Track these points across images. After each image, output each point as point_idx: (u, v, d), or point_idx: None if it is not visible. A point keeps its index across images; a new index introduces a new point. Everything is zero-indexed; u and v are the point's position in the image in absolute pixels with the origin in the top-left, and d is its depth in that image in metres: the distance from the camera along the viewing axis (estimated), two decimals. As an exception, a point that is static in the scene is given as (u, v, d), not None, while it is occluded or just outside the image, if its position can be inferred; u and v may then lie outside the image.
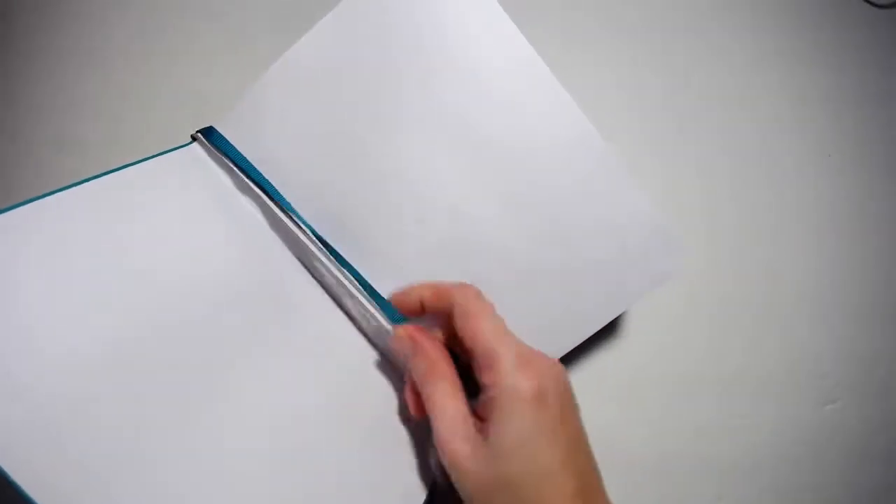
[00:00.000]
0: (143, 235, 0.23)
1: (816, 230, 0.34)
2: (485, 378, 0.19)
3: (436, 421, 0.19)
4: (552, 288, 0.26)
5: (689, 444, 0.31)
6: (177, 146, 0.27)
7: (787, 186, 0.34)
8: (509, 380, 0.18)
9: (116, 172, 0.24)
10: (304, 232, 0.27)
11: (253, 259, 0.26)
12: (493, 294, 0.26)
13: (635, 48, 0.35)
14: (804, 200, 0.34)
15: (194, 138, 0.28)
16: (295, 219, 0.27)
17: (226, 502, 0.20)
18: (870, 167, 0.35)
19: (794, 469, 0.32)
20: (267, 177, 0.27)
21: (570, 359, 0.32)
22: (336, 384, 0.26)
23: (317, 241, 0.26)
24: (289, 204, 0.27)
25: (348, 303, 0.27)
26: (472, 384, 0.21)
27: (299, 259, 0.28)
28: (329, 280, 0.27)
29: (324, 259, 0.26)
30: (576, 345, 0.26)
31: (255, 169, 0.27)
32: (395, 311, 0.25)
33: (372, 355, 0.27)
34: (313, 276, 0.28)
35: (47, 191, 0.21)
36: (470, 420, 0.19)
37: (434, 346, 0.21)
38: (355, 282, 0.26)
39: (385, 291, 0.26)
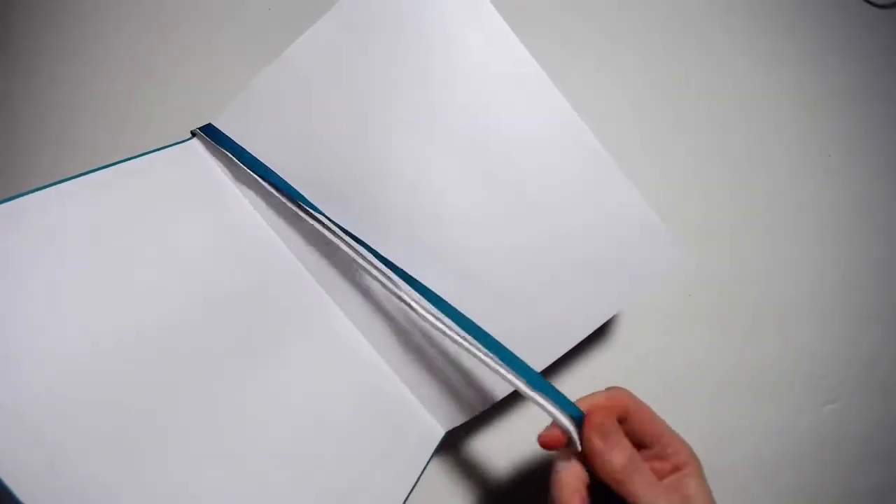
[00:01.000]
0: (141, 233, 0.23)
1: (816, 230, 0.34)
2: (675, 460, 0.23)
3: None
4: (546, 290, 0.26)
5: (688, 444, 0.31)
6: (175, 142, 0.27)
7: (787, 186, 0.34)
8: (695, 460, 0.23)
9: (114, 167, 0.24)
10: (323, 226, 0.26)
11: (253, 261, 0.26)
12: (486, 297, 0.26)
13: (635, 49, 0.35)
14: (804, 200, 0.34)
15: (194, 134, 0.28)
16: (312, 211, 0.26)
17: None
18: (870, 167, 0.35)
19: (794, 469, 0.32)
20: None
21: (564, 359, 0.32)
22: (344, 394, 0.26)
23: (341, 232, 0.26)
24: (301, 195, 0.27)
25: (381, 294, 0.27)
26: None
27: (302, 258, 0.28)
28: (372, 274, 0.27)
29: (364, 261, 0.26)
30: (571, 347, 0.26)
31: (260, 162, 0.27)
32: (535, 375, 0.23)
33: (379, 362, 0.28)
34: (318, 273, 0.28)
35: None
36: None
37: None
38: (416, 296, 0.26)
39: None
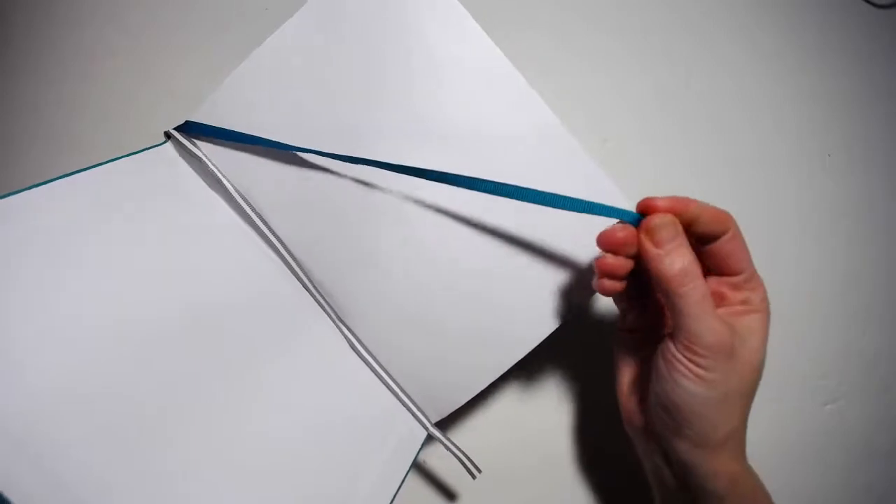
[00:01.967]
0: (117, 242, 0.23)
1: (816, 230, 0.34)
2: (750, 294, 0.22)
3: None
4: (520, 278, 0.26)
5: (689, 445, 0.31)
6: (149, 146, 0.27)
7: (787, 186, 0.34)
8: (766, 304, 0.22)
9: (87, 171, 0.23)
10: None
11: (233, 269, 0.26)
12: (459, 287, 0.26)
13: (635, 49, 0.35)
14: (804, 200, 0.34)
15: (168, 136, 0.28)
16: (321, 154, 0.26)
17: None
18: (870, 167, 0.35)
19: (795, 469, 0.32)
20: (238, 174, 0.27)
21: (558, 356, 0.32)
22: (325, 402, 0.26)
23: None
24: (301, 148, 0.26)
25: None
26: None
27: (284, 259, 0.28)
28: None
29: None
30: (553, 329, 0.26)
31: (249, 135, 0.26)
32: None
33: (364, 370, 0.28)
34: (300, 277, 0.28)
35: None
36: None
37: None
38: None
39: (338, 287, 0.27)
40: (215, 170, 0.27)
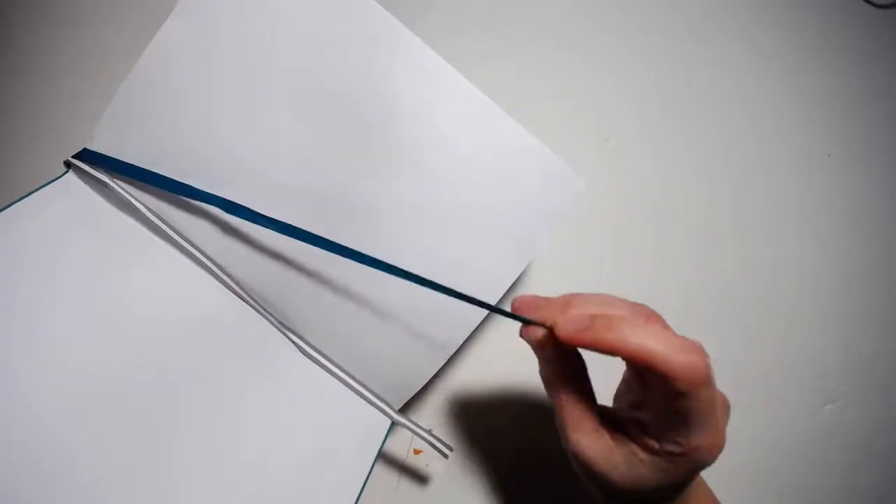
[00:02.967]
0: (33, 288, 0.22)
1: (816, 230, 0.34)
2: (678, 438, 0.18)
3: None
4: (456, 248, 0.25)
5: (689, 445, 0.31)
6: (50, 180, 0.26)
7: (787, 186, 0.34)
8: (704, 458, 0.19)
9: None
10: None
11: (163, 294, 0.25)
12: (392, 260, 0.25)
13: (636, 49, 0.35)
14: (804, 200, 0.34)
15: (69, 165, 0.26)
16: (205, 200, 0.25)
17: None
18: (870, 167, 0.35)
19: (794, 469, 0.32)
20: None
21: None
22: (280, 418, 0.26)
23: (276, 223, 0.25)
24: (194, 189, 0.25)
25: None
26: None
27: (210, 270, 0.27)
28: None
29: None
30: (495, 302, 0.26)
31: (145, 170, 0.25)
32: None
33: (316, 371, 0.27)
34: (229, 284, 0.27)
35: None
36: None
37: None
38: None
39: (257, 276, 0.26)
40: (124, 194, 0.26)
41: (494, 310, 0.22)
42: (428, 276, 0.24)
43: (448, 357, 0.26)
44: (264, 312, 0.27)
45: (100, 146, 0.26)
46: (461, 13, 0.34)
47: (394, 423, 0.27)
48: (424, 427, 0.27)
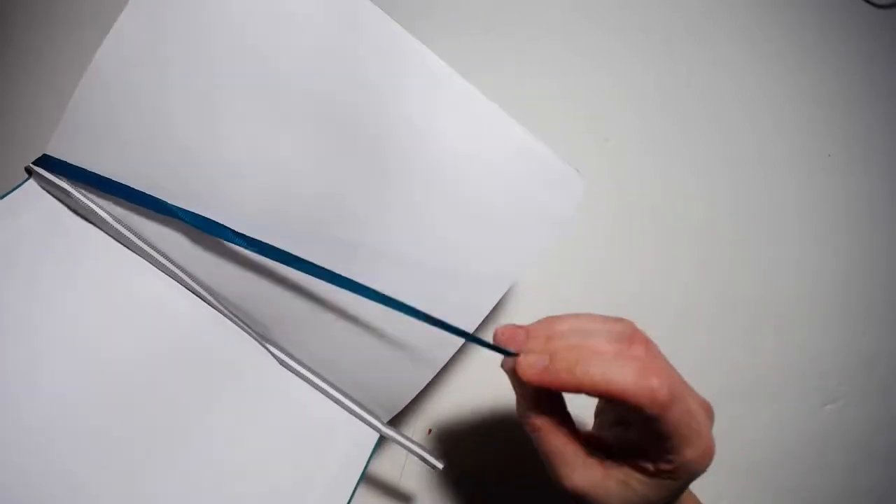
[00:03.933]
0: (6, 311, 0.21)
1: (816, 230, 0.34)
2: (667, 457, 0.19)
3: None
4: (453, 253, 0.24)
5: (689, 445, 0.31)
6: (10, 189, 0.24)
7: (787, 186, 0.34)
8: (693, 470, 0.19)
9: None
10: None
11: (135, 310, 0.24)
12: (396, 272, 0.24)
13: (636, 49, 0.35)
14: (804, 200, 0.34)
15: (29, 172, 0.25)
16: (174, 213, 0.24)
17: None
18: (870, 167, 0.35)
19: (794, 469, 0.32)
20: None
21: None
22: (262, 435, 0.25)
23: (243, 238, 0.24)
24: (158, 200, 0.24)
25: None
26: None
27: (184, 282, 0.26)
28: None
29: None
30: (495, 302, 0.25)
31: (106, 179, 0.24)
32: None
33: (299, 385, 0.27)
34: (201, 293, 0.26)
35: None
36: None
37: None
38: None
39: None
40: (87, 202, 0.24)
41: (470, 338, 0.21)
42: (424, 282, 0.23)
43: (439, 368, 0.25)
44: (241, 324, 0.26)
45: (59, 151, 0.24)
46: (461, 13, 0.34)
47: (382, 437, 0.26)
48: (416, 441, 0.26)
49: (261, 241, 0.23)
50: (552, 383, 0.18)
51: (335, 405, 0.26)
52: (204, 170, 0.24)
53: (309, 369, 0.26)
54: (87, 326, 0.23)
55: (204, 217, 0.24)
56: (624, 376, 0.17)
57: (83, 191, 0.24)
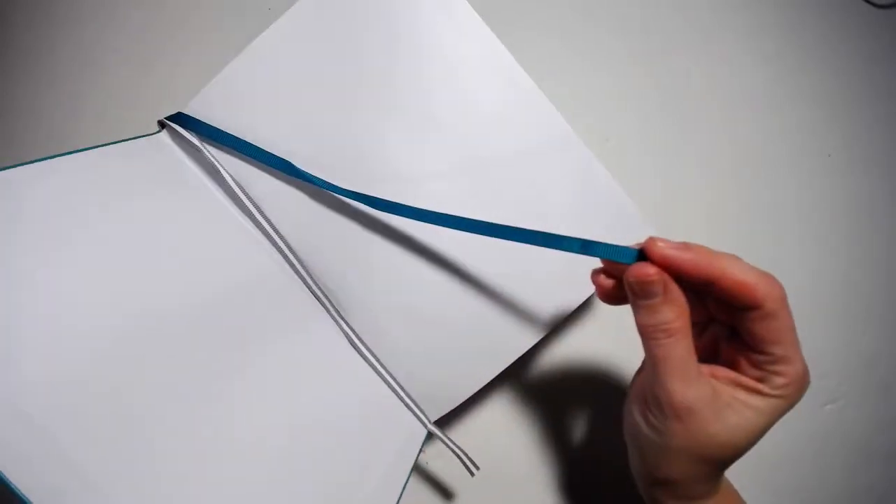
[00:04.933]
0: (120, 223, 0.22)
1: (816, 230, 0.34)
2: (773, 378, 0.19)
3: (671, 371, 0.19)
4: (521, 276, 0.26)
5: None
6: (142, 134, 0.27)
7: (787, 186, 0.34)
8: (793, 394, 0.19)
9: (81, 152, 0.23)
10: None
11: (229, 259, 0.26)
12: (459, 285, 0.26)
13: (636, 49, 0.35)
14: (804, 200, 0.34)
15: (162, 125, 0.27)
16: (304, 178, 0.26)
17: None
18: (870, 167, 0.35)
19: (794, 469, 0.32)
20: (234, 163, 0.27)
21: (558, 354, 0.32)
22: (324, 401, 0.26)
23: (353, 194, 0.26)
24: (290, 164, 0.26)
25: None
26: None
27: (281, 250, 0.28)
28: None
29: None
30: (549, 330, 0.26)
31: (240, 139, 0.26)
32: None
33: (363, 367, 0.28)
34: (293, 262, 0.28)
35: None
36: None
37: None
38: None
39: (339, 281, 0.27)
40: (212, 158, 0.27)
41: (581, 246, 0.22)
42: (495, 284, 0.25)
43: (495, 374, 0.26)
44: (322, 297, 0.27)
45: (195, 112, 0.27)
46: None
47: (429, 434, 0.27)
48: (457, 444, 0.27)
49: (379, 198, 0.25)
50: (687, 261, 0.19)
51: (392, 396, 0.27)
52: (335, 159, 0.26)
53: (375, 356, 0.28)
54: (184, 257, 0.24)
55: (323, 180, 0.26)
56: (749, 272, 0.19)
57: (209, 148, 0.27)
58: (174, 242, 0.24)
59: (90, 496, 0.17)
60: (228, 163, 0.27)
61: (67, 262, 0.20)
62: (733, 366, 0.20)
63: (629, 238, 0.23)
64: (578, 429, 0.32)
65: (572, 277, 0.26)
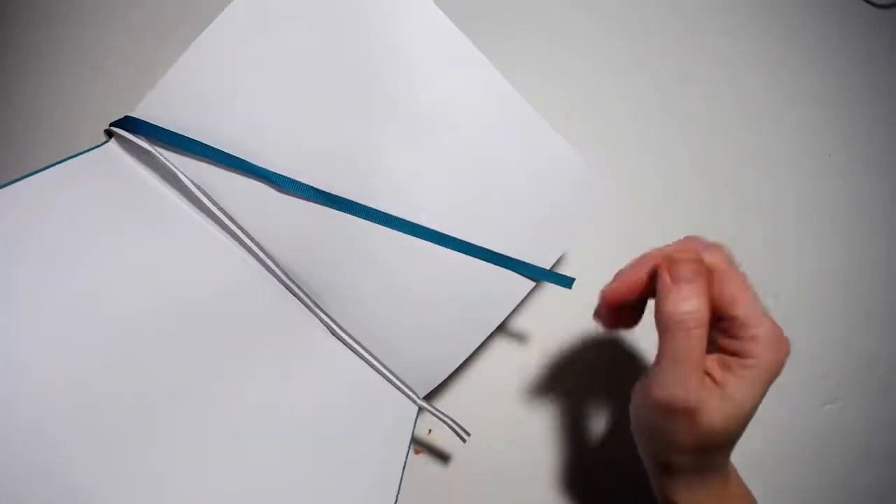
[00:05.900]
0: (74, 249, 0.22)
1: (816, 230, 0.34)
2: (742, 344, 0.20)
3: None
4: (493, 241, 0.27)
5: (689, 444, 0.31)
6: (89, 148, 0.26)
7: (787, 187, 0.34)
8: (766, 356, 0.20)
9: (28, 178, 0.22)
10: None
11: (199, 264, 0.25)
12: (433, 261, 0.27)
13: (635, 49, 0.35)
14: (804, 200, 0.34)
15: (110, 134, 0.26)
16: (261, 175, 0.26)
17: None
18: (870, 167, 0.35)
19: (794, 469, 0.32)
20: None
21: (558, 346, 0.32)
22: (314, 397, 0.26)
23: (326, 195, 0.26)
24: (245, 161, 0.26)
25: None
26: None
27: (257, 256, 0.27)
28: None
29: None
30: (525, 294, 0.27)
31: (191, 139, 0.26)
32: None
33: (346, 354, 0.28)
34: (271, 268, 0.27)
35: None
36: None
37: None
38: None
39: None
40: (166, 161, 0.26)
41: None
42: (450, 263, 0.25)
43: (472, 351, 0.27)
44: (297, 290, 0.27)
45: (144, 115, 0.26)
46: (461, 13, 0.34)
47: (420, 409, 0.28)
48: (446, 413, 0.28)
49: (337, 195, 0.25)
50: (625, 284, 0.22)
51: (379, 378, 0.28)
52: (280, 152, 0.26)
53: (357, 342, 0.28)
54: (150, 277, 0.24)
55: (280, 174, 0.26)
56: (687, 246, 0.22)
57: (162, 151, 0.26)
58: (144, 255, 0.23)
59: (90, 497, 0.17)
60: (186, 166, 0.26)
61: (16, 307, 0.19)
62: (716, 348, 0.21)
63: (578, 186, 0.27)
64: (576, 410, 0.32)
65: (543, 240, 0.27)
